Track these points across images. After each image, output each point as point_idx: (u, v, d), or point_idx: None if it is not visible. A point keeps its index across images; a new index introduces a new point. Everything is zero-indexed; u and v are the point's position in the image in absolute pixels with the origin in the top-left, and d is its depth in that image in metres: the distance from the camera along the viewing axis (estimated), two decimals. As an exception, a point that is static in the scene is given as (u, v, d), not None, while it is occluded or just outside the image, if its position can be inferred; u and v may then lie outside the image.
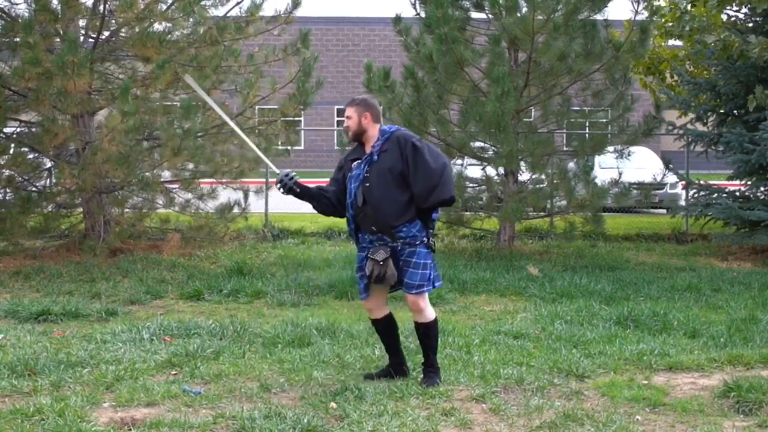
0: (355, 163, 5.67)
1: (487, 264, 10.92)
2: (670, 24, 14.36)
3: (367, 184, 5.55)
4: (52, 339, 6.94)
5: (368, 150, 5.66)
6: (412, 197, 5.52)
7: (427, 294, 5.69)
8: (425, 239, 5.59)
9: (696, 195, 13.30)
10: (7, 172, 11.17)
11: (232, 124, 6.71)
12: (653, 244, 13.63)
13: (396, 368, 5.86)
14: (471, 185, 12.66)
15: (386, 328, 5.86)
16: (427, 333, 5.74)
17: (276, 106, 12.12)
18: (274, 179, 5.99)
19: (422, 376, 5.75)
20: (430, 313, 5.71)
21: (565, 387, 5.73)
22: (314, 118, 33.15)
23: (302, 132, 27.73)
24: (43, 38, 10.16)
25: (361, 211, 5.60)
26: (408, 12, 12.22)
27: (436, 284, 5.71)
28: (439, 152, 5.59)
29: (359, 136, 5.69)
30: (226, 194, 12.77)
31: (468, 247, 12.52)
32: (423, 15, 11.76)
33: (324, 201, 5.77)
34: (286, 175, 5.67)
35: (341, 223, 14.29)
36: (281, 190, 5.70)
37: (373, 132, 5.66)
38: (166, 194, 12.24)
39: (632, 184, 12.72)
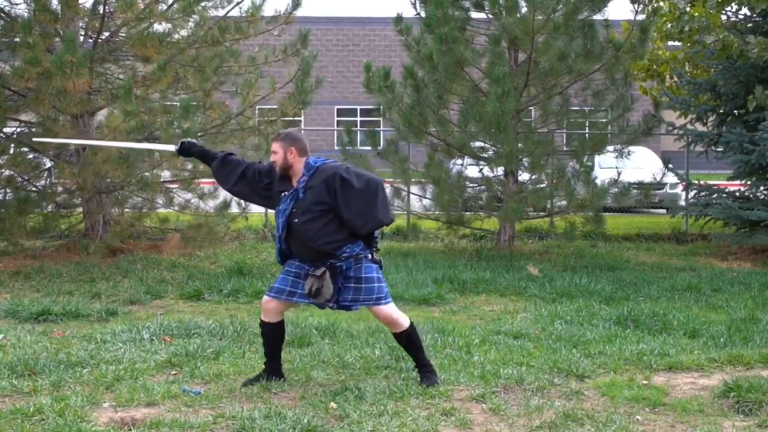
0: (283, 195, 5.63)
1: (487, 264, 10.92)
2: (670, 25, 14.37)
3: (296, 220, 5.53)
4: (52, 339, 6.93)
5: (294, 184, 5.62)
6: (342, 222, 5.49)
7: (392, 303, 5.69)
8: (369, 255, 5.60)
9: (696, 195, 13.30)
10: (6, 172, 11.17)
11: (127, 145, 6.86)
12: (653, 244, 13.63)
13: (273, 372, 5.78)
14: (471, 185, 12.66)
15: (275, 333, 5.78)
16: (409, 338, 5.74)
17: (276, 106, 12.12)
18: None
19: (420, 377, 5.75)
20: (404, 321, 5.70)
21: (565, 387, 5.73)
22: (314, 118, 33.14)
23: (302, 132, 27.71)
24: (43, 38, 10.16)
25: (293, 244, 5.61)
26: (408, 12, 12.24)
27: (388, 299, 5.66)
28: (369, 177, 5.54)
29: (286, 171, 5.65)
30: (226, 194, 12.74)
31: (468, 247, 12.52)
32: (423, 15, 11.76)
33: (216, 163, 5.82)
34: (181, 145, 5.91)
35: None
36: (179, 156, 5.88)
37: (299, 166, 5.62)
38: (166, 194, 12.24)
39: (632, 184, 12.72)
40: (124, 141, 10.17)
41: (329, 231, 5.49)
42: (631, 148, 12.42)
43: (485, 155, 12.23)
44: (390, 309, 5.66)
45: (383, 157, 12.57)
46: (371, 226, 5.49)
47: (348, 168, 5.59)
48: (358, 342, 6.80)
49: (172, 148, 6.10)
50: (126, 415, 5.10)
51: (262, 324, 5.78)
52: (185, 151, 5.96)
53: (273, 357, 5.81)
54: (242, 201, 12.69)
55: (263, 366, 5.85)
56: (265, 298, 5.78)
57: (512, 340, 6.99)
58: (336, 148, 17.46)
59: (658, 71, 16.12)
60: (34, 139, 8.19)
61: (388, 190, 12.55)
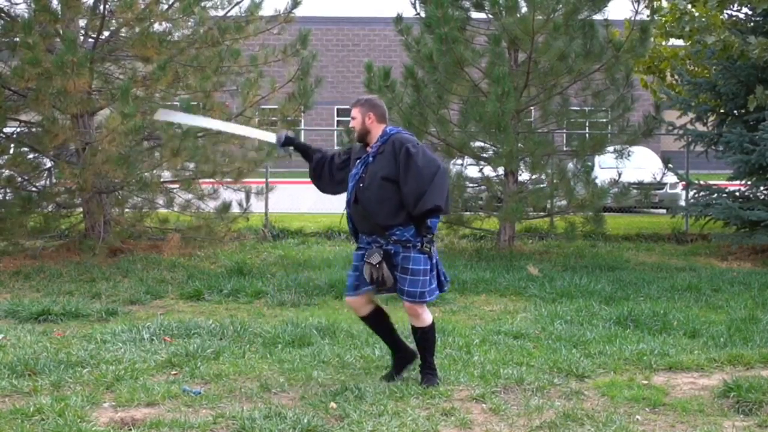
0: (357, 161, 5.67)
1: (487, 264, 10.92)
2: (671, 24, 14.36)
3: (361, 185, 5.53)
4: (52, 339, 6.94)
5: (368, 150, 5.66)
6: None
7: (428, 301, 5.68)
8: (419, 244, 5.50)
9: (696, 195, 13.29)
10: (7, 172, 11.17)
11: (230, 128, 6.75)
12: (653, 244, 13.63)
13: (404, 359, 5.82)
14: (471, 185, 12.66)
15: (378, 323, 5.82)
16: (425, 336, 5.73)
17: (276, 106, 12.12)
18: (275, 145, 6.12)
19: (421, 377, 5.75)
20: (427, 318, 5.69)
21: (565, 387, 5.73)
22: (314, 119, 33.14)
23: (302, 132, 27.71)
24: (43, 38, 10.16)
25: (355, 210, 5.60)
26: (408, 12, 12.23)
27: (431, 296, 5.62)
28: (433, 159, 5.49)
29: (364, 137, 5.66)
30: (227, 194, 12.77)
31: (468, 247, 12.53)
32: (423, 15, 11.75)
33: (316, 161, 5.88)
34: (284, 137, 5.89)
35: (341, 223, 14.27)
36: (281, 150, 5.95)
37: (377, 132, 5.64)
38: (166, 194, 12.24)
39: (632, 184, 12.72)
40: (123, 142, 10.18)
41: (389, 207, 5.45)
42: (631, 148, 12.40)
43: (485, 155, 12.23)
44: (420, 305, 5.62)
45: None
46: (422, 207, 5.37)
47: (418, 144, 5.57)
48: (358, 342, 6.81)
49: (273, 138, 6.05)
50: (126, 415, 5.11)
51: (363, 320, 5.87)
52: (288, 141, 5.94)
53: (394, 345, 5.84)
54: (243, 201, 12.73)
55: (394, 360, 5.87)
56: (346, 299, 5.87)
57: (512, 340, 6.99)
58: (336, 147, 17.45)
59: (658, 67, 16.11)
60: (159, 114, 7.60)
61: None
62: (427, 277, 5.55)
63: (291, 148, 6.00)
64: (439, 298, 8.80)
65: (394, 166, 5.47)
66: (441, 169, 5.45)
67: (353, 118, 5.67)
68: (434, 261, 5.62)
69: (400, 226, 5.48)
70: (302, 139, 26.38)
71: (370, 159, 5.58)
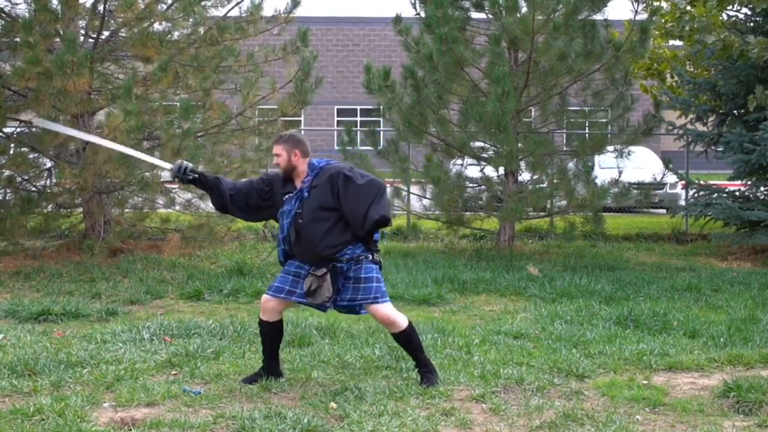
0: (287, 197, 5.66)
1: (487, 264, 10.92)
2: (670, 24, 14.37)
3: (300, 221, 5.56)
4: (52, 339, 6.94)
5: (298, 185, 5.66)
6: (346, 224, 5.53)
7: (389, 303, 5.70)
8: (370, 256, 5.63)
9: (696, 195, 13.29)
10: (7, 172, 11.17)
11: (121, 149, 6.66)
12: (653, 244, 13.63)
13: (272, 371, 5.79)
14: (471, 185, 12.66)
15: (273, 332, 5.79)
16: (408, 339, 5.76)
17: (276, 106, 12.12)
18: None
19: (420, 377, 5.75)
20: (401, 321, 5.71)
21: (565, 387, 5.73)
22: (314, 118, 33.16)
23: (302, 132, 27.74)
24: (43, 38, 10.16)
25: (298, 246, 5.62)
26: (408, 12, 12.24)
27: (385, 298, 5.66)
28: (372, 177, 5.60)
29: (290, 173, 5.68)
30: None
31: (468, 247, 12.52)
32: (423, 15, 11.75)
33: (216, 192, 5.78)
34: (179, 169, 5.69)
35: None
36: (179, 184, 5.78)
37: (303, 168, 5.67)
38: (167, 194, 12.24)
39: (632, 184, 12.72)
40: (125, 141, 10.16)
41: (333, 233, 5.53)
42: (631, 148, 12.42)
43: (485, 155, 12.23)
44: (387, 309, 5.66)
45: (383, 157, 12.58)
46: (369, 224, 5.49)
47: (352, 167, 5.67)
48: (358, 342, 6.80)
49: (168, 166, 5.90)
50: (126, 415, 5.10)
51: (261, 323, 5.80)
52: (181, 174, 5.72)
53: (271, 356, 5.82)
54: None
55: (261, 364, 5.86)
56: (264, 296, 5.79)
57: (512, 340, 6.99)
58: (336, 148, 17.49)
59: (658, 69, 16.12)
60: (36, 121, 8.03)
61: (388, 190, 12.57)
62: (381, 284, 5.66)
63: (185, 181, 5.76)
64: (439, 298, 8.86)
65: (331, 196, 5.53)
66: (382, 186, 5.60)
67: (278, 155, 5.66)
68: (381, 272, 5.75)
69: (350, 245, 5.57)
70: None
71: (305, 194, 5.60)
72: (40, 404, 5.15)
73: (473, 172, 12.87)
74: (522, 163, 11.96)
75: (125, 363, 6.12)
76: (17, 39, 10.43)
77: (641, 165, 15.42)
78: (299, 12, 12.09)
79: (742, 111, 13.17)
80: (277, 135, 5.91)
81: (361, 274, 5.59)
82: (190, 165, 5.78)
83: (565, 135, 15.34)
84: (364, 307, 5.70)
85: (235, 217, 6.18)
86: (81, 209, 11.79)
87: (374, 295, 5.60)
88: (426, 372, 5.74)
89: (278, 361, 5.87)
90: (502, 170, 12.21)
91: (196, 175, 5.77)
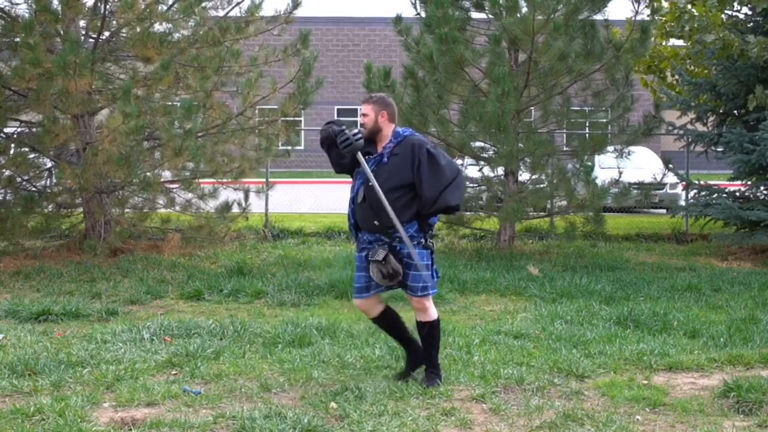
0: (366, 157, 5.64)
1: (487, 264, 10.92)
2: (670, 24, 14.37)
3: (370, 183, 5.52)
4: (53, 339, 6.94)
5: (379, 149, 5.65)
6: (413, 200, 5.51)
7: (431, 295, 5.70)
8: (422, 240, 5.58)
9: (696, 195, 13.29)
10: (7, 172, 11.17)
11: None
12: (653, 244, 13.63)
13: (416, 357, 5.82)
14: (471, 185, 12.66)
15: (390, 322, 5.84)
16: (431, 332, 5.74)
17: (276, 106, 12.13)
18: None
19: (423, 375, 5.75)
20: (433, 313, 5.72)
21: (565, 387, 5.74)
22: (314, 118, 33.15)
23: (302, 132, 27.75)
24: (44, 38, 10.16)
25: (361, 208, 5.61)
26: (408, 12, 12.24)
27: (434, 290, 5.69)
28: (452, 161, 5.63)
29: (374, 135, 5.65)
30: (227, 194, 12.77)
31: (468, 247, 12.53)
32: (423, 15, 11.76)
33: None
34: (353, 135, 5.53)
35: (341, 223, 14.31)
36: (346, 147, 5.54)
37: (387, 132, 5.65)
38: (167, 194, 12.24)
39: (632, 184, 12.72)
40: (124, 141, 10.16)
41: (398, 205, 5.48)
42: (631, 148, 12.42)
43: (485, 155, 12.23)
44: (426, 298, 5.65)
45: (383, 156, 12.55)
46: (440, 205, 5.47)
47: (436, 145, 5.65)
48: (358, 342, 6.81)
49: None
50: (126, 415, 5.11)
51: (373, 322, 5.85)
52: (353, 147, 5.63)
53: (407, 343, 5.84)
54: (243, 201, 12.74)
55: (408, 357, 5.87)
56: (355, 302, 5.84)
57: (512, 340, 7.00)
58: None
59: (659, 67, 16.11)
60: None
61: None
62: (430, 272, 5.62)
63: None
64: (439, 298, 8.86)
65: (409, 168, 5.49)
66: (460, 171, 5.61)
67: (365, 115, 5.64)
68: (433, 256, 5.71)
69: (405, 223, 5.51)
70: (302, 139, 25.99)
71: (385, 159, 5.59)
72: (40, 404, 5.15)
73: (473, 172, 12.87)
74: (522, 163, 11.96)
75: (125, 363, 6.13)
76: (18, 39, 10.43)
77: (641, 165, 15.41)
78: (299, 12, 12.10)
79: (742, 111, 13.17)
80: (367, 95, 5.81)
81: (412, 260, 5.53)
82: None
83: (565, 135, 15.34)
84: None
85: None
86: (81, 209, 11.79)
87: (423, 285, 5.57)
88: (431, 372, 5.75)
89: (415, 343, 5.83)
90: (502, 170, 12.21)
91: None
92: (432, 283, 5.63)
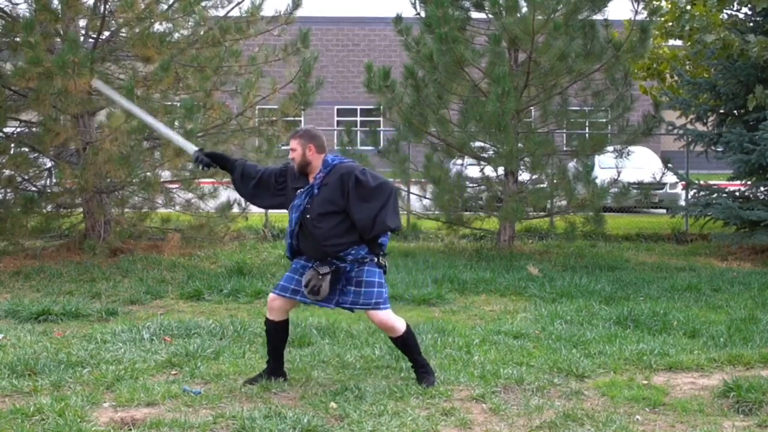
0: (299, 191, 5.66)
1: (487, 264, 10.92)
2: (670, 24, 14.37)
3: (308, 216, 5.55)
4: (52, 339, 6.94)
5: (311, 180, 5.66)
6: (354, 224, 5.51)
7: (389, 309, 5.69)
8: (375, 259, 5.60)
9: (696, 195, 13.30)
10: (7, 172, 11.17)
11: (157, 125, 6.76)
12: (653, 244, 13.63)
13: (274, 372, 5.78)
14: (471, 185, 12.66)
15: (278, 332, 5.79)
16: (405, 343, 5.75)
17: (276, 106, 12.12)
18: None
19: (417, 378, 5.74)
20: (400, 326, 5.70)
21: (565, 387, 5.74)
22: (314, 118, 33.13)
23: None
24: (44, 38, 10.16)
25: (303, 240, 5.62)
26: (408, 12, 12.25)
27: (386, 305, 5.65)
28: (383, 181, 5.54)
29: (304, 168, 5.66)
30: (227, 194, 12.77)
31: (468, 247, 12.52)
32: (423, 15, 11.76)
33: (231, 174, 5.92)
34: (196, 159, 5.93)
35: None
36: (199, 166, 5.94)
37: (317, 163, 5.65)
38: (167, 194, 12.24)
39: (632, 184, 12.72)
40: (125, 141, 10.17)
41: (339, 232, 5.51)
42: (631, 148, 12.42)
43: (485, 155, 12.23)
44: (386, 315, 5.65)
45: (383, 156, 12.58)
46: (378, 229, 5.47)
47: (364, 169, 5.60)
48: (358, 342, 6.81)
49: (191, 150, 6.11)
50: (126, 415, 5.11)
51: (267, 322, 5.79)
52: (201, 159, 5.95)
53: (275, 356, 5.81)
54: (242, 201, 12.73)
55: (265, 365, 5.86)
56: (270, 295, 5.79)
57: (512, 340, 6.99)
58: (336, 147, 17.50)
59: (658, 70, 16.12)
60: (94, 83, 8.29)
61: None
62: (382, 289, 5.64)
63: (205, 165, 5.97)
64: (439, 298, 8.86)
65: (340, 196, 5.50)
66: (393, 190, 5.54)
67: (293, 150, 5.65)
68: (385, 276, 5.71)
69: (354, 246, 5.55)
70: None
71: (315, 191, 5.59)
72: (40, 404, 5.15)
73: (473, 172, 12.87)
74: (522, 163, 11.96)
75: (125, 363, 6.13)
76: (18, 39, 10.42)
77: (641, 165, 15.42)
78: (299, 12, 12.09)
79: (742, 111, 13.17)
80: (293, 130, 5.90)
81: (363, 277, 5.58)
82: (204, 152, 5.99)
83: (565, 135, 15.35)
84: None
85: (244, 199, 6.19)
86: (81, 209, 11.79)
87: (375, 301, 5.59)
88: (423, 373, 5.74)
89: (282, 362, 5.86)
90: (502, 170, 12.21)
91: (209, 159, 5.94)
92: (384, 298, 5.63)
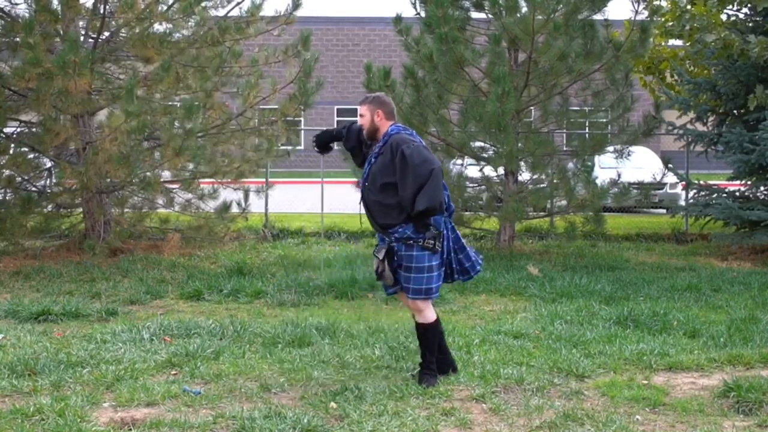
0: (367, 156, 5.76)
1: (487, 264, 10.90)
2: (671, 24, 14.37)
3: (366, 184, 5.62)
4: (52, 339, 6.94)
5: (374, 148, 5.69)
6: None
7: (431, 299, 5.70)
8: (421, 241, 5.51)
9: (696, 195, 13.29)
10: (7, 172, 11.17)
11: None
12: (653, 244, 13.63)
13: (442, 365, 5.82)
14: (471, 185, 12.66)
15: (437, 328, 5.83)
16: (426, 334, 5.74)
17: (276, 107, 12.13)
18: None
19: (419, 377, 5.75)
20: (430, 315, 5.71)
21: (565, 387, 5.74)
22: (314, 119, 33.15)
23: (302, 132, 27.73)
24: (44, 38, 10.16)
25: (366, 210, 5.70)
26: (408, 12, 12.24)
27: (435, 294, 5.67)
28: (427, 160, 5.44)
29: (373, 135, 5.70)
30: (226, 194, 12.77)
31: (468, 247, 12.50)
32: (423, 15, 11.75)
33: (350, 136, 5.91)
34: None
35: (341, 223, 14.31)
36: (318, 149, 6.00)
37: (384, 130, 5.67)
38: (167, 194, 12.24)
39: (632, 184, 12.72)
40: (125, 141, 10.16)
41: (387, 204, 5.51)
42: (631, 148, 12.42)
43: (485, 155, 12.23)
44: (423, 302, 5.65)
45: (383, 157, 12.55)
46: (417, 208, 5.39)
47: (415, 144, 5.52)
48: (358, 342, 6.81)
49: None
50: (126, 415, 5.11)
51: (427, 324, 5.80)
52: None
53: (439, 350, 5.82)
54: (242, 201, 12.75)
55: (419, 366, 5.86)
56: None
57: (512, 340, 6.99)
58: (336, 148, 17.52)
59: (658, 68, 16.11)
60: None
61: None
62: (433, 274, 5.57)
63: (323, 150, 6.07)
64: (439, 297, 8.85)
65: (391, 168, 5.50)
66: (435, 170, 5.42)
67: (361, 116, 5.68)
68: (445, 256, 5.63)
69: (401, 224, 5.52)
70: (302, 139, 25.96)
71: (373, 159, 5.64)
72: (40, 404, 5.15)
73: (473, 172, 12.87)
74: (522, 163, 11.96)
75: (125, 363, 6.13)
76: (17, 39, 10.43)
77: (641, 165, 15.42)
78: (299, 12, 12.09)
79: (742, 111, 13.17)
80: (364, 96, 5.89)
81: (412, 263, 5.52)
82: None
83: (565, 135, 15.35)
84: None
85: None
86: (81, 209, 11.79)
87: (426, 287, 5.55)
88: (426, 373, 5.74)
89: (447, 353, 5.91)
90: (502, 170, 12.21)
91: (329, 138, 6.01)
92: (434, 286, 5.59)
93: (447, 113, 12.07)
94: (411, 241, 5.52)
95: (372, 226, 5.74)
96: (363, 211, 5.76)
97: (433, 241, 5.52)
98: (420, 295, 5.59)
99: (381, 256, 5.52)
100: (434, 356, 5.80)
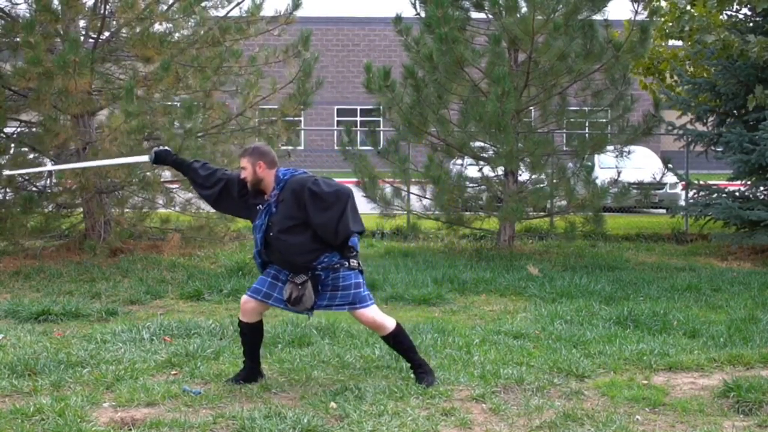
0: (258, 208, 5.63)
1: (487, 264, 10.92)
2: (670, 24, 14.37)
3: (271, 234, 5.53)
4: (52, 339, 6.94)
5: (267, 198, 5.62)
6: (317, 234, 5.48)
7: (374, 307, 5.68)
8: (347, 263, 5.55)
9: (696, 195, 13.30)
10: (7, 172, 11.17)
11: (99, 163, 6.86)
12: (653, 244, 13.63)
13: (252, 372, 5.77)
14: (471, 185, 12.66)
15: (253, 333, 5.76)
16: (397, 340, 5.75)
17: (276, 106, 12.13)
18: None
19: (416, 378, 5.74)
20: (389, 323, 5.69)
21: (565, 387, 5.74)
22: (314, 118, 33.17)
23: (302, 132, 27.75)
24: (44, 38, 10.16)
25: (273, 256, 5.60)
26: (408, 12, 12.25)
27: (370, 300, 5.65)
28: (338, 188, 5.48)
29: (257, 185, 5.62)
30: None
31: (468, 247, 12.53)
32: (423, 15, 11.76)
33: (190, 175, 5.89)
34: (155, 158, 5.89)
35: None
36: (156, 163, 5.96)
37: (270, 179, 5.60)
38: (167, 194, 12.24)
39: (632, 184, 12.73)
40: (124, 141, 10.17)
41: (305, 245, 5.47)
42: (631, 148, 12.42)
43: (485, 155, 12.23)
44: (371, 312, 5.64)
45: (383, 157, 12.58)
46: (342, 236, 5.45)
47: (316, 179, 5.53)
48: (358, 342, 6.81)
49: (146, 158, 6.04)
50: (126, 415, 5.11)
51: (240, 324, 5.76)
52: (160, 159, 5.93)
53: (252, 357, 5.78)
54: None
55: (242, 365, 5.85)
56: (243, 297, 5.76)
57: (512, 340, 6.99)
58: (336, 148, 17.52)
59: (658, 69, 16.12)
60: (6, 173, 9.32)
61: (387, 189, 12.56)
62: (360, 290, 5.61)
63: (163, 165, 6.02)
64: (439, 298, 8.85)
65: (298, 210, 5.45)
66: (349, 195, 5.48)
67: (243, 169, 5.61)
68: (362, 276, 5.68)
69: (325, 253, 5.52)
70: (302, 139, 25.91)
71: (273, 209, 5.56)
72: (40, 404, 5.15)
73: (473, 172, 12.87)
74: (522, 163, 11.96)
75: (125, 363, 6.13)
76: (18, 39, 10.43)
77: (641, 165, 15.42)
78: (299, 12, 12.10)
79: (741, 111, 13.17)
80: (241, 149, 5.90)
81: (339, 283, 5.55)
82: (166, 148, 5.98)
83: (565, 135, 15.35)
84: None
85: (202, 199, 6.13)
86: (81, 209, 11.79)
87: (351, 301, 5.58)
88: (421, 372, 5.74)
89: (259, 362, 5.84)
90: (502, 170, 12.21)
91: (173, 158, 5.96)
92: (361, 298, 5.60)
93: (447, 113, 12.07)
94: (338, 265, 5.54)
95: (289, 269, 5.55)
96: (268, 259, 5.62)
97: (357, 261, 5.61)
98: (350, 304, 5.58)
99: (301, 280, 5.45)
100: (416, 354, 5.81)
